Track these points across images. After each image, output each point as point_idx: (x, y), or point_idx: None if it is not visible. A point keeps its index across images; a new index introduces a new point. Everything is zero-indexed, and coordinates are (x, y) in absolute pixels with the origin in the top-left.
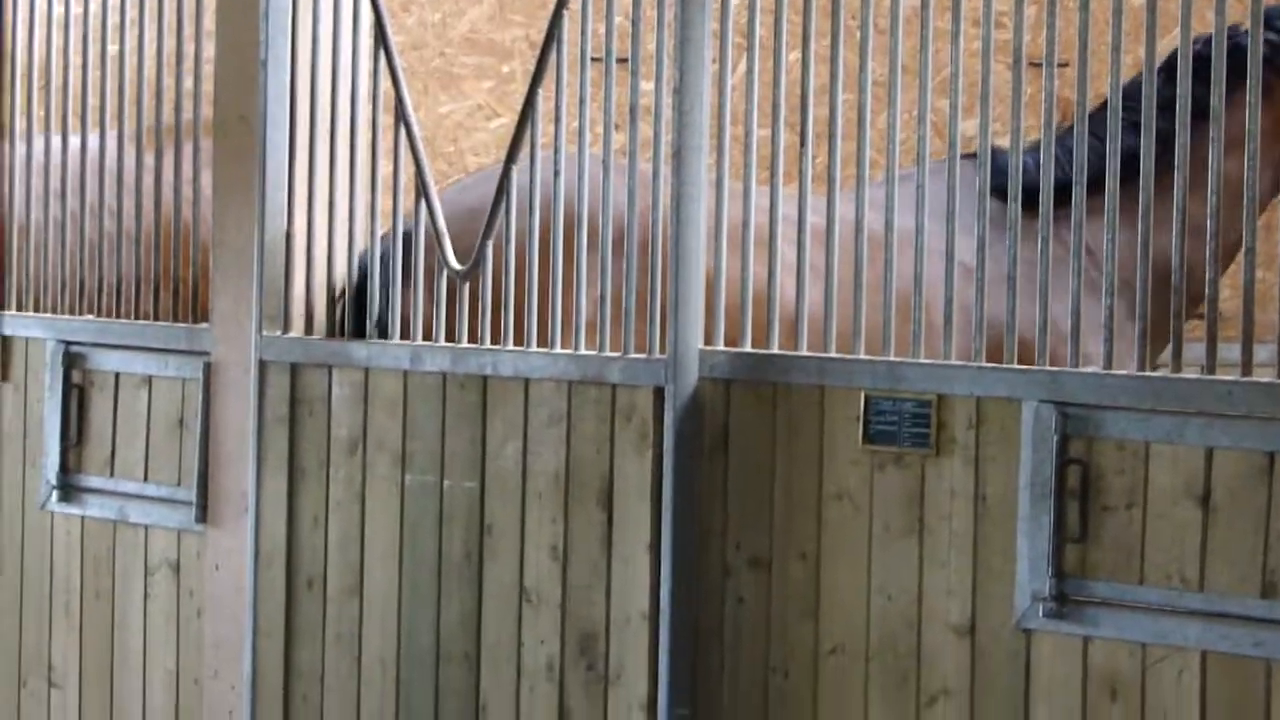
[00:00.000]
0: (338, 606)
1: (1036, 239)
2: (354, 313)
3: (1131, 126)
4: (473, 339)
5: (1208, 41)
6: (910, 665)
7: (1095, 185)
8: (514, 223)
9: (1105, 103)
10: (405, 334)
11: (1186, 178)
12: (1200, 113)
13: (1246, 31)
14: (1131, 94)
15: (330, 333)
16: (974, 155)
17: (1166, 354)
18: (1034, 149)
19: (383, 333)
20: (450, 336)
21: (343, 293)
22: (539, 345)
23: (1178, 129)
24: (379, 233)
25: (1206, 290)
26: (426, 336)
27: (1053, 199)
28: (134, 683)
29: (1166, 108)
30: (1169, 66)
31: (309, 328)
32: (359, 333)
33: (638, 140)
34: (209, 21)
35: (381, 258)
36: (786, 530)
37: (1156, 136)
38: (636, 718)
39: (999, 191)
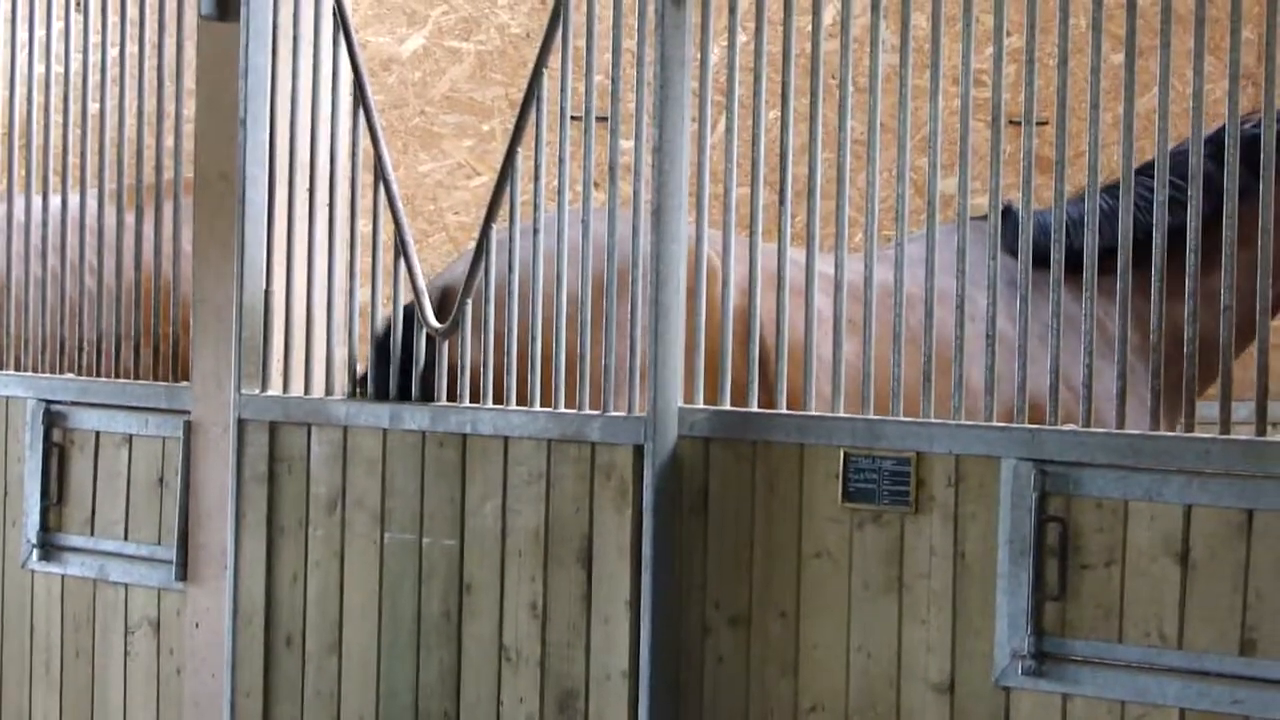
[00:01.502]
0: (317, 664)
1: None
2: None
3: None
4: (451, 397)
5: (1221, 129)
6: None
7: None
8: (493, 281)
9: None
10: (452, 396)
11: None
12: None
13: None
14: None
15: (379, 395)
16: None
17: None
18: (1048, 210)
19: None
20: (428, 395)
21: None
22: (518, 403)
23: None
24: (358, 292)
25: (1185, 348)
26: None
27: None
28: None
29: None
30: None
31: (287, 386)
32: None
33: (617, 198)
34: (189, 80)
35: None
36: (766, 588)
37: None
38: None
39: (1014, 251)
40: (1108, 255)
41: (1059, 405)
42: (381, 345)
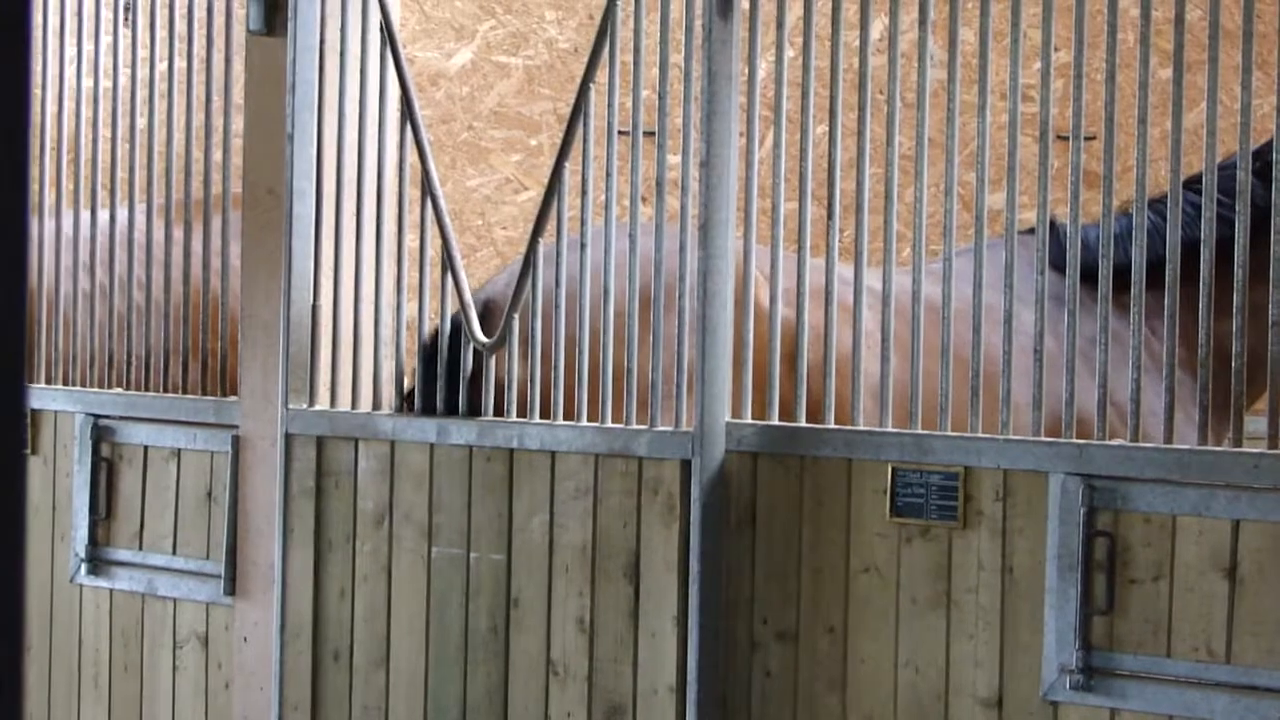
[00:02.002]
0: (364, 679)
1: (1091, 315)
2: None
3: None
4: (499, 412)
5: (1268, 144)
6: None
7: (1155, 266)
8: (540, 296)
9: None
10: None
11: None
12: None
13: None
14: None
15: (426, 409)
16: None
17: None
18: (1095, 225)
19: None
20: (476, 410)
21: (429, 367)
22: (565, 418)
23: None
24: (405, 307)
25: (1233, 363)
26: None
27: (1111, 276)
28: None
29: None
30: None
31: (335, 400)
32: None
33: (664, 213)
34: (237, 95)
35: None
36: (814, 603)
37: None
38: None
39: (1060, 267)
40: (1155, 270)
41: (1107, 421)
42: (429, 359)
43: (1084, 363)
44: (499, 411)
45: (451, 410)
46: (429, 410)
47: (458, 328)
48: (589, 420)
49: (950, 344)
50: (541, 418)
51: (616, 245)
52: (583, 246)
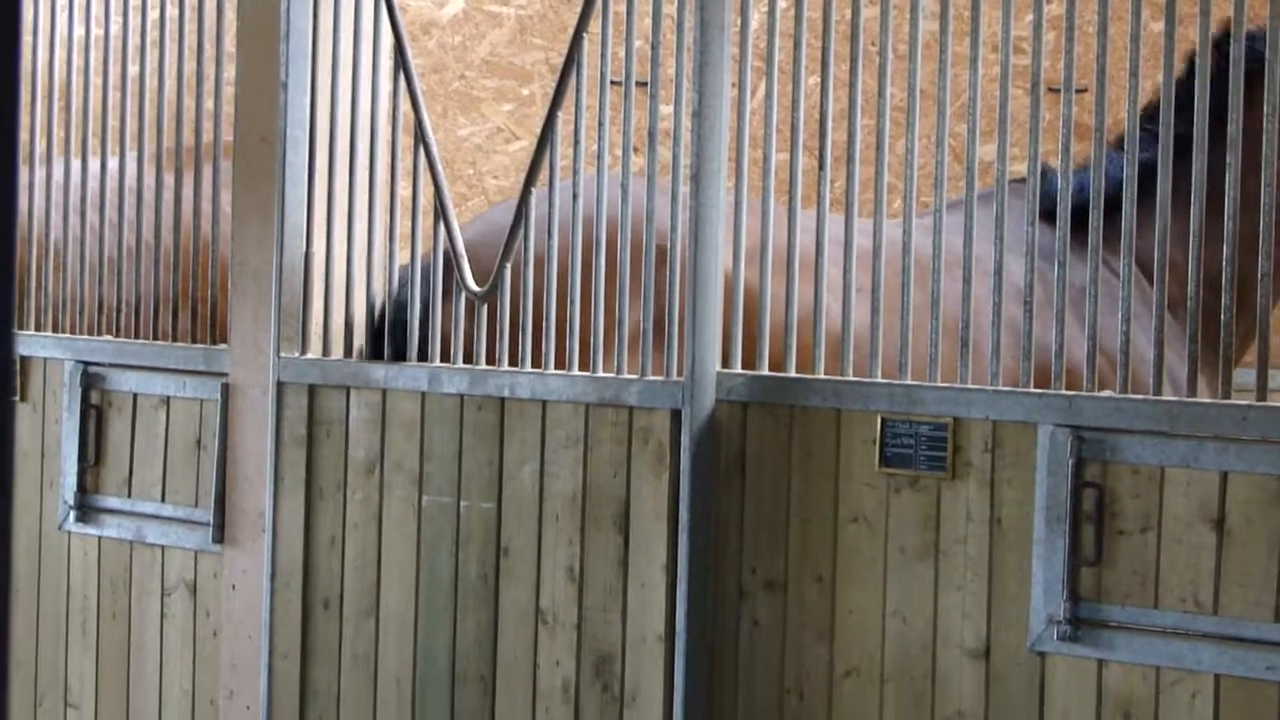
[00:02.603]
0: (354, 627)
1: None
2: (391, 335)
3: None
4: (490, 361)
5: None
6: (925, 688)
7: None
8: (532, 245)
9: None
10: (446, 356)
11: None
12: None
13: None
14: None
15: (374, 355)
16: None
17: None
18: (1080, 171)
19: (422, 356)
20: (468, 358)
21: (381, 315)
22: (556, 367)
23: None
24: (398, 255)
25: (1222, 315)
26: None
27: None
28: (150, 703)
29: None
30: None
31: (327, 349)
32: (398, 355)
33: (656, 163)
34: (230, 43)
35: (421, 279)
36: (802, 553)
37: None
38: None
39: (1049, 216)
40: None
41: (1096, 371)
42: (399, 303)
43: (1076, 312)
44: (490, 360)
45: (417, 357)
46: (397, 356)
47: (426, 274)
48: (580, 370)
49: (941, 296)
50: (532, 366)
51: (609, 195)
52: (575, 196)
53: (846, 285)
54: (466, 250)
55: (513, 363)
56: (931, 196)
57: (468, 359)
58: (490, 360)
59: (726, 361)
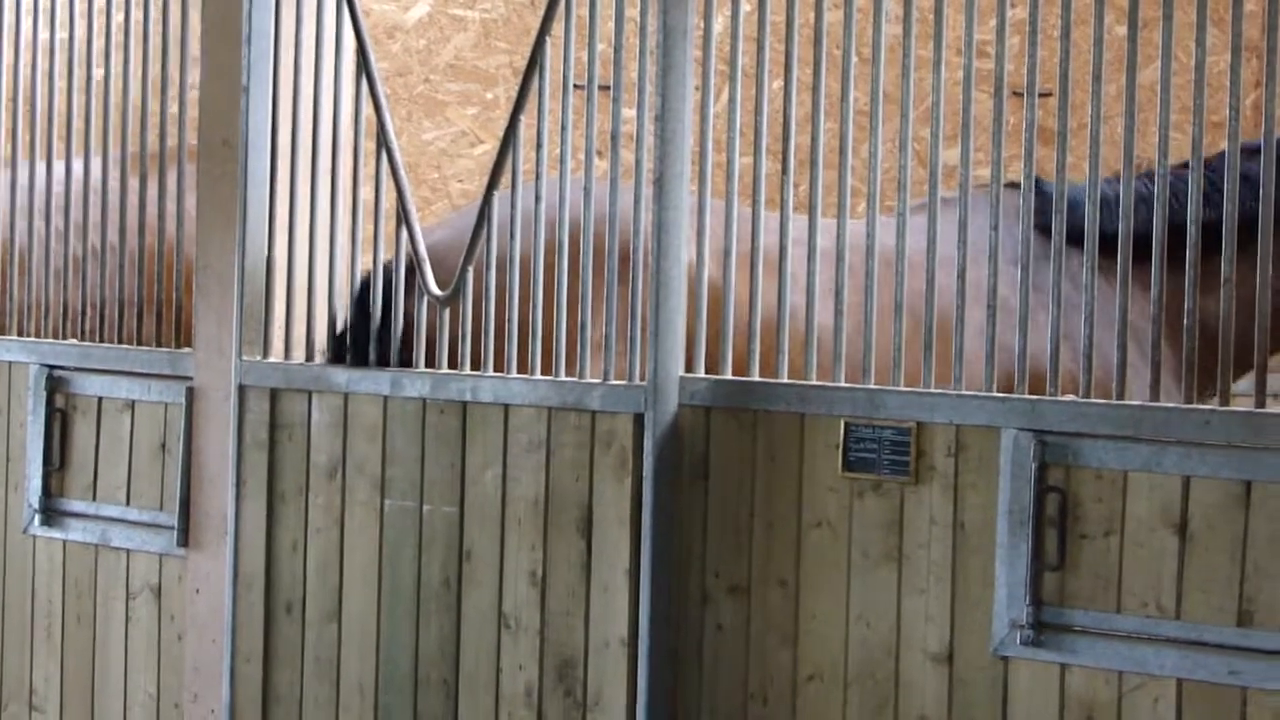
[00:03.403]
0: (317, 631)
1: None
2: (354, 339)
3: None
4: (453, 364)
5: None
6: (888, 692)
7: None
8: (495, 248)
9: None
10: (409, 360)
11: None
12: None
13: None
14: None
15: (336, 359)
16: (1015, 185)
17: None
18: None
19: (384, 360)
20: (430, 362)
21: (347, 319)
22: (519, 371)
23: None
24: (360, 259)
25: (1185, 320)
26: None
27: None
28: (114, 706)
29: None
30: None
31: (289, 353)
32: (360, 359)
33: (619, 167)
34: (194, 47)
35: (386, 282)
36: (765, 557)
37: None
38: None
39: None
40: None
41: (1058, 375)
42: (361, 306)
43: (1043, 318)
44: (453, 364)
45: (379, 361)
46: (360, 360)
47: (388, 277)
48: (542, 374)
49: (904, 299)
50: (495, 370)
51: (571, 199)
52: (537, 199)
53: (809, 288)
54: (434, 255)
55: (475, 366)
56: (895, 200)
57: (430, 362)
58: (453, 364)
59: (690, 366)
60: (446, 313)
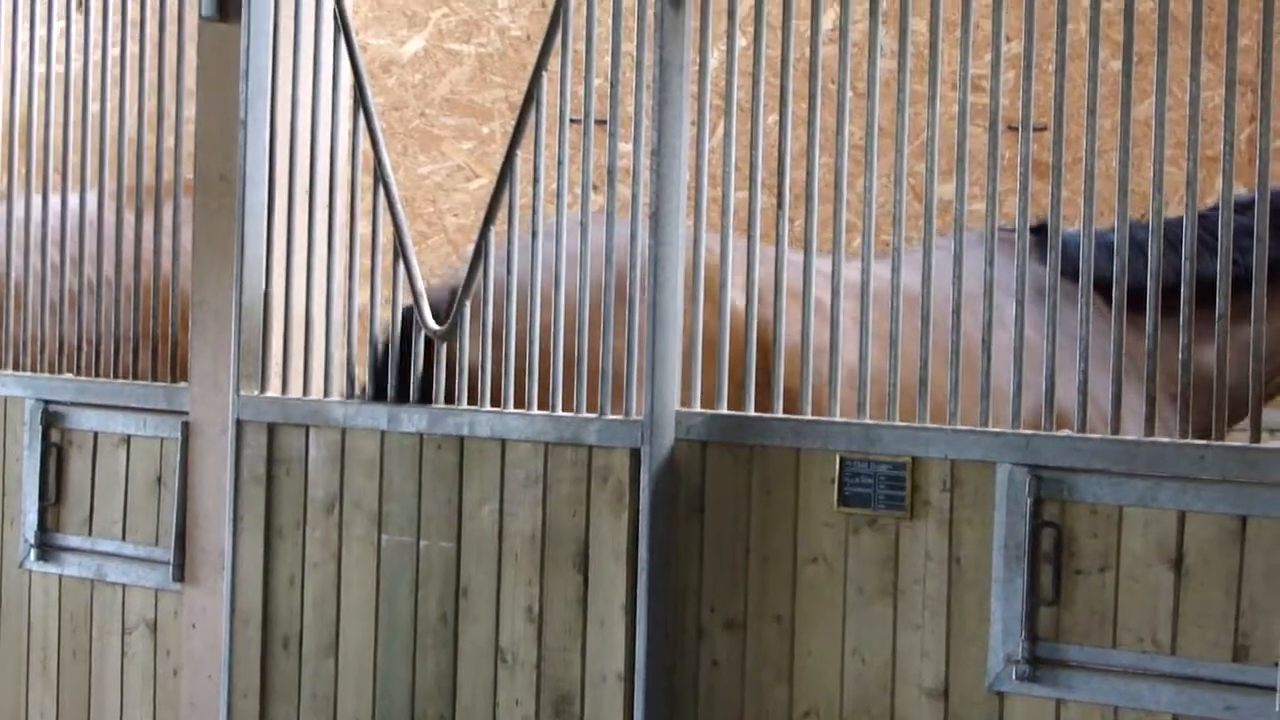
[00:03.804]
0: (313, 666)
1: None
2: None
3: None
4: (450, 400)
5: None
6: None
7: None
8: (491, 284)
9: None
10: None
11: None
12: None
13: None
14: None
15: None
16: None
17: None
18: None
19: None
20: (428, 398)
21: (382, 354)
22: (516, 406)
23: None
24: (358, 293)
25: (1180, 355)
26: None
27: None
28: None
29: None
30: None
31: (286, 387)
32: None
33: (615, 201)
34: (190, 81)
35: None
36: (761, 592)
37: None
38: None
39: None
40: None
41: (1053, 411)
42: (385, 348)
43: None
44: (450, 399)
45: (405, 399)
46: (383, 398)
47: (409, 317)
48: (539, 409)
49: (899, 335)
50: (492, 405)
51: (568, 234)
52: (534, 235)
53: (804, 325)
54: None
55: (471, 401)
56: (890, 234)
57: (427, 398)
58: (450, 399)
59: (685, 400)
60: (444, 347)
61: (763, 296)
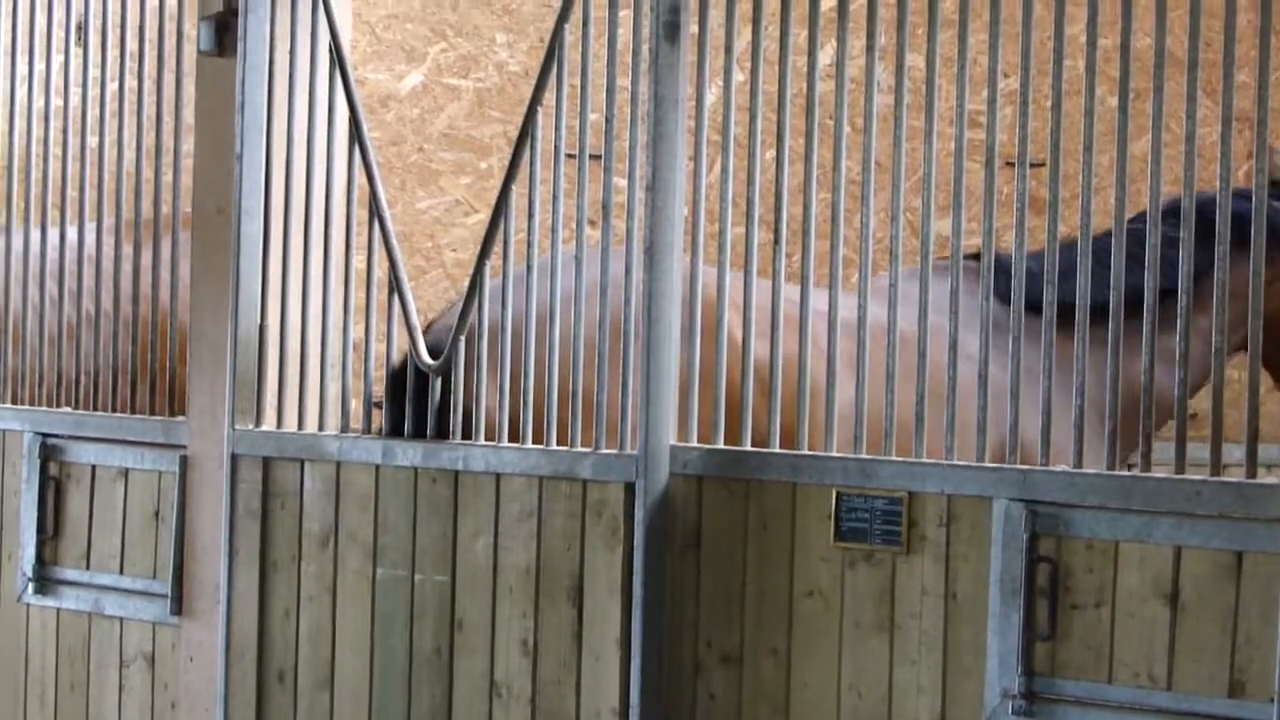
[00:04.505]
0: (309, 700)
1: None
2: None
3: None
4: (444, 434)
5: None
6: None
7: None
8: (486, 318)
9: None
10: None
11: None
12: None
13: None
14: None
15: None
16: (976, 256)
17: (1135, 454)
18: (1036, 255)
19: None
20: (422, 433)
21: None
22: (510, 440)
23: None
24: (352, 328)
25: (1175, 391)
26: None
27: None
28: None
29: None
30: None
31: (281, 421)
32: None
33: (610, 236)
34: (189, 115)
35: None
36: (757, 627)
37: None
38: None
39: (1000, 295)
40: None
41: (1050, 446)
42: (395, 385)
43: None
44: (445, 434)
45: (400, 434)
46: (397, 435)
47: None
48: (534, 443)
49: (895, 369)
50: (487, 440)
51: (563, 269)
52: (529, 270)
53: (802, 360)
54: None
55: (466, 435)
56: (888, 270)
57: (490, 435)
58: (444, 433)
59: (682, 435)
60: (439, 381)
61: (760, 330)
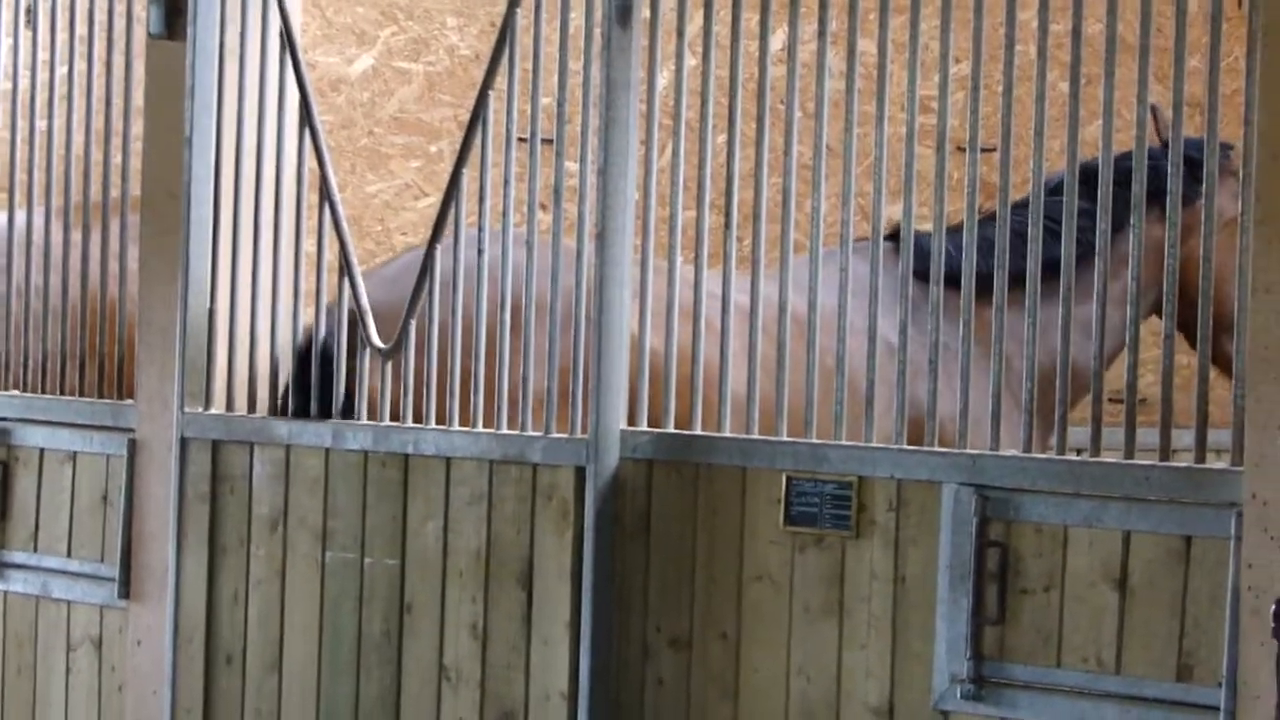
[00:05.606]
0: (257, 683)
1: (956, 322)
2: (300, 392)
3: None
4: (395, 417)
5: (1127, 155)
6: None
7: (1014, 274)
8: (437, 302)
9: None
10: (350, 413)
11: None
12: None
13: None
14: (1052, 189)
15: (281, 411)
16: (895, 236)
17: (1083, 438)
18: (955, 232)
19: (345, 413)
20: (373, 415)
21: (296, 370)
22: (461, 424)
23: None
24: (302, 312)
25: (1125, 376)
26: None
27: (974, 285)
28: None
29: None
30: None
31: (230, 405)
32: (312, 413)
33: (562, 221)
34: (138, 98)
35: (327, 336)
36: (707, 611)
37: (1072, 236)
38: None
39: (920, 275)
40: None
41: (999, 429)
42: (303, 360)
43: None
44: (395, 417)
45: (321, 414)
46: (303, 412)
47: (330, 331)
48: (484, 426)
49: (846, 355)
50: (437, 423)
51: (514, 252)
52: (480, 251)
53: (752, 343)
54: (376, 309)
55: (417, 419)
56: (836, 251)
57: (373, 415)
58: (395, 416)
59: (632, 419)
60: (389, 365)
61: (707, 316)
